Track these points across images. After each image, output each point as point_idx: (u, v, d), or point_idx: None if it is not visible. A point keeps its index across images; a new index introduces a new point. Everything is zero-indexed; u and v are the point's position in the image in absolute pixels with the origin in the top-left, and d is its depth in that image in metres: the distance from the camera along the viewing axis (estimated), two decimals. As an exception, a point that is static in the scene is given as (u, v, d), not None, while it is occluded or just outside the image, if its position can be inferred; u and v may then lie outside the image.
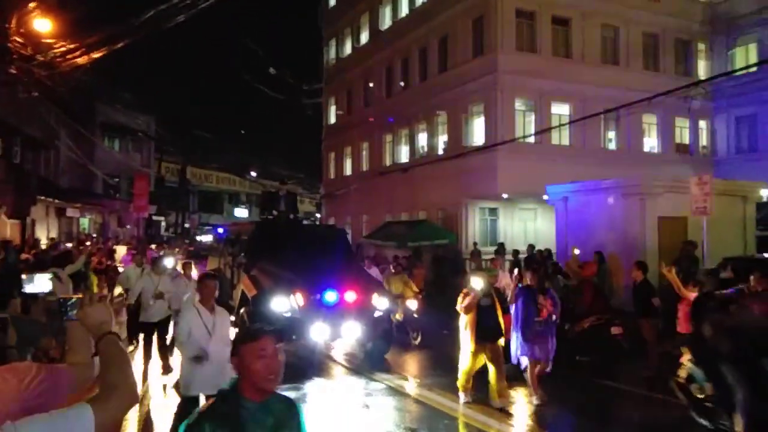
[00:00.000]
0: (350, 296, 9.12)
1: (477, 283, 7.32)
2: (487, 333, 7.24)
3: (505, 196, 21.47)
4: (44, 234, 24.07)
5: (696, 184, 12.43)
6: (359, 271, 11.08)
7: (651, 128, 25.34)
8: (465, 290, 7.41)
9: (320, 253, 10.28)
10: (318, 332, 8.77)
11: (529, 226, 22.71)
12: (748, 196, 16.40)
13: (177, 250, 23.17)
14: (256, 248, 10.58)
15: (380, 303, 9.53)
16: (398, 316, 11.06)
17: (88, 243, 20.04)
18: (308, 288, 8.92)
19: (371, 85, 30.83)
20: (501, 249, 18.86)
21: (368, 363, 9.74)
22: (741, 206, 16.06)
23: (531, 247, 17.73)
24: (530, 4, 22.45)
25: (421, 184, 24.68)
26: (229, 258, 11.71)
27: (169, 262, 9.40)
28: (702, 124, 26.36)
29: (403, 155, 28.21)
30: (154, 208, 40.40)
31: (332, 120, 36.15)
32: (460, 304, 7.39)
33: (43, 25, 14.25)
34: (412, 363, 10.25)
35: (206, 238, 49.88)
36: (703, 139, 26.70)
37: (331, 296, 8.93)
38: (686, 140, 26.17)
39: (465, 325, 7.38)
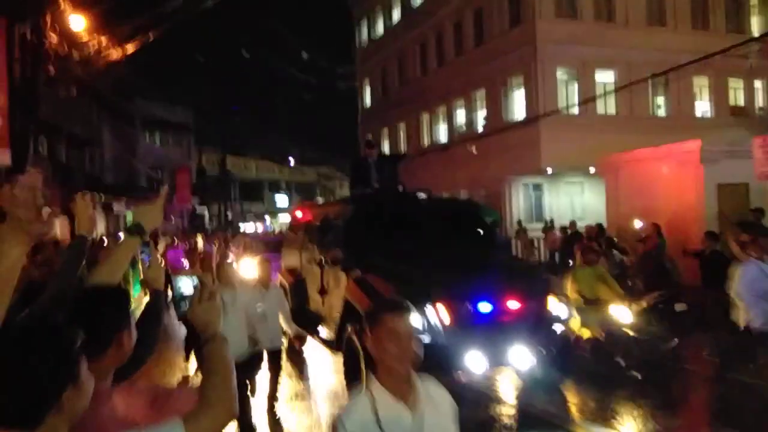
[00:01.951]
0: (514, 303, 6.23)
1: None
2: None
3: (549, 170, 20.78)
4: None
5: (760, 146, 11.63)
6: (514, 264, 8.37)
7: (703, 91, 24.05)
8: None
9: (455, 241, 7.45)
10: (475, 362, 5.86)
11: (576, 201, 21.97)
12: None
13: (223, 240, 23.04)
14: (359, 237, 7.35)
15: (559, 310, 6.69)
16: (594, 333, 7.50)
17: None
18: (454, 295, 6.08)
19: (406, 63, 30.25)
20: (550, 225, 18.27)
21: (560, 406, 6.47)
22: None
23: (573, 223, 16.78)
24: (569, -32, 21.47)
25: (461, 162, 24.14)
26: (314, 252, 8.33)
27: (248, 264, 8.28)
28: (758, 84, 24.89)
29: (442, 134, 27.64)
30: (196, 199, 41.04)
31: (368, 102, 35.75)
32: None
33: (77, 22, 14.30)
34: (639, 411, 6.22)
35: (248, 227, 50.54)
36: (760, 100, 25.24)
37: (486, 306, 6.11)
38: (741, 102, 24.78)
39: None
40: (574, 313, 7.21)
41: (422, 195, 8.33)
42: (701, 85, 23.77)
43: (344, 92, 38.10)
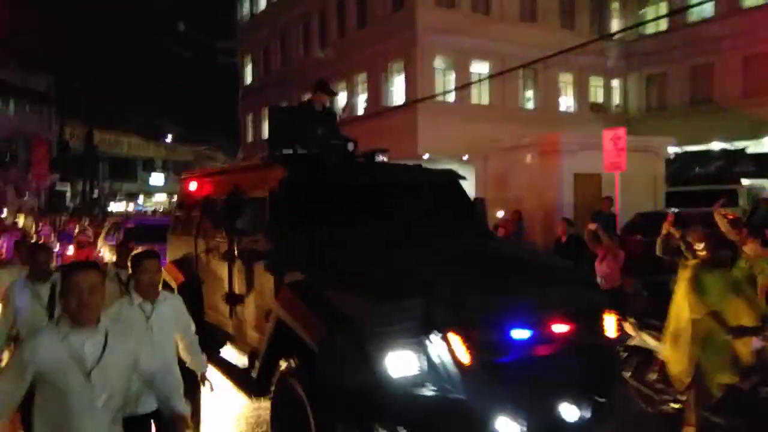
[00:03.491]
0: (560, 326, 3.92)
1: None
2: None
3: (425, 156, 21.17)
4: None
5: (610, 139, 12.47)
6: (538, 260, 5.07)
7: (567, 87, 25.65)
8: None
9: (447, 227, 5.29)
10: (508, 428, 3.56)
11: (450, 187, 22.63)
12: (659, 153, 16.84)
13: (87, 222, 21.18)
14: (296, 218, 4.75)
15: (614, 332, 4.34)
16: (731, 379, 4.88)
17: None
18: (474, 317, 3.69)
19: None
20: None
21: None
22: (651, 163, 16.46)
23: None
24: (449, -42, 21.86)
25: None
26: (217, 239, 5.71)
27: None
28: (615, 83, 26.97)
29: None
30: (56, 176, 37.70)
31: (248, 80, 34.58)
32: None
33: None
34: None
35: (118, 207, 47.27)
36: (617, 98, 27.38)
37: (522, 332, 3.77)
38: (600, 99, 26.73)
39: None
40: (657, 342, 5.33)
41: (382, 157, 5.68)
42: (566, 81, 25.33)
43: (224, 68, 36.53)
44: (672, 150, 19.82)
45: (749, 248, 5.29)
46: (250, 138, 34.23)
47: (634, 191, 14.15)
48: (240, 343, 5.45)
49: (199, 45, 43.44)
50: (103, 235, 14.75)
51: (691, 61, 23.94)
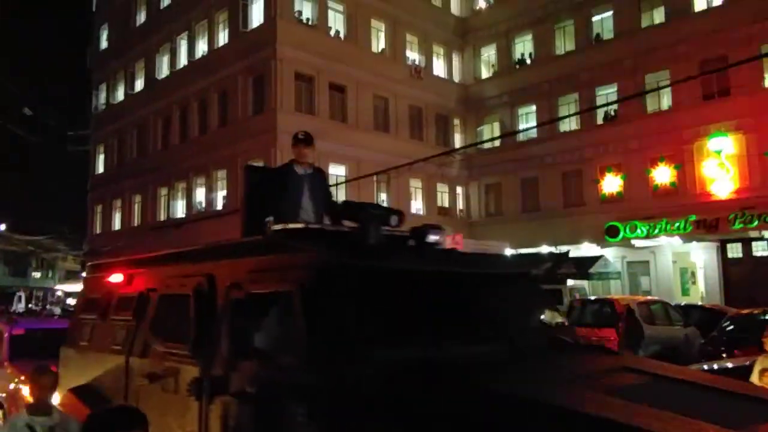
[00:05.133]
0: None
1: None
2: None
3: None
4: None
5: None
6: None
7: (417, 192, 27.77)
8: None
9: (534, 337, 4.07)
10: None
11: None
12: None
13: None
14: (346, 334, 3.05)
15: None
16: None
17: None
18: None
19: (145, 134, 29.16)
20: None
21: None
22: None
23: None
24: (309, 69, 23.48)
25: (197, 241, 23.61)
26: (174, 362, 3.95)
27: None
28: (459, 190, 29.68)
29: (180, 209, 26.90)
30: None
31: (100, 169, 33.28)
32: None
33: None
34: None
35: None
36: (460, 203, 30.03)
37: None
38: (446, 204, 29.17)
39: None
40: None
41: (435, 237, 4.14)
42: (416, 186, 27.48)
43: (73, 156, 34.88)
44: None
45: None
46: (98, 229, 32.49)
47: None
48: None
49: (49, 131, 41.19)
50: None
51: (521, 174, 27.21)
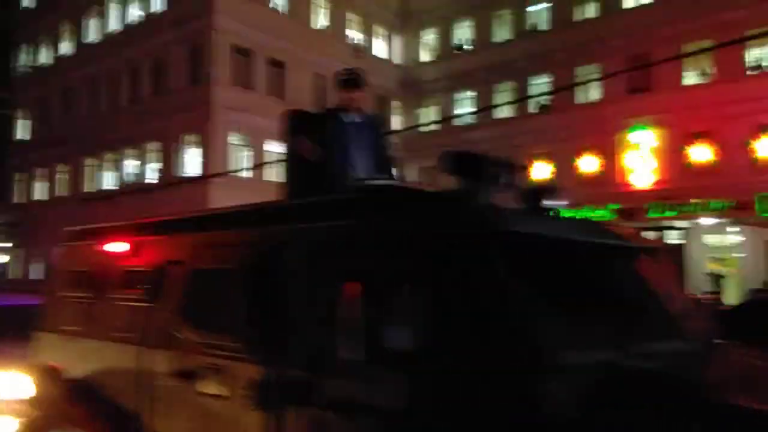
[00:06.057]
0: None
1: None
2: None
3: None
4: None
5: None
6: None
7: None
8: None
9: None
10: None
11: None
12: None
13: None
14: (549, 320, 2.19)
15: None
16: None
17: None
18: None
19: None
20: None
21: None
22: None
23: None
24: (247, 42, 23.04)
25: (128, 213, 22.95)
26: (223, 357, 2.97)
27: None
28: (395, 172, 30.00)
29: (108, 182, 25.99)
30: None
31: (21, 135, 31.60)
32: None
33: None
34: None
35: None
36: (397, 184, 30.38)
37: None
38: (383, 184, 29.46)
39: None
40: None
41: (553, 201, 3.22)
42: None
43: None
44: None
45: None
46: (17, 199, 30.95)
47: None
48: None
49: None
50: None
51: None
